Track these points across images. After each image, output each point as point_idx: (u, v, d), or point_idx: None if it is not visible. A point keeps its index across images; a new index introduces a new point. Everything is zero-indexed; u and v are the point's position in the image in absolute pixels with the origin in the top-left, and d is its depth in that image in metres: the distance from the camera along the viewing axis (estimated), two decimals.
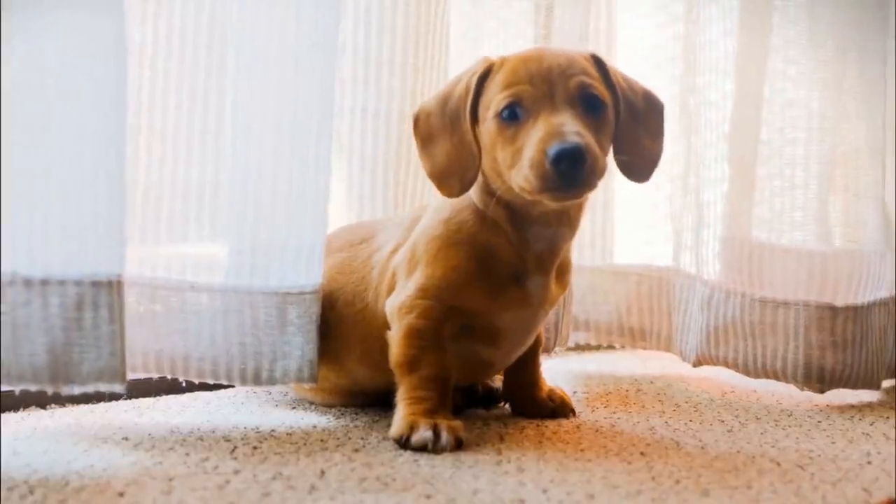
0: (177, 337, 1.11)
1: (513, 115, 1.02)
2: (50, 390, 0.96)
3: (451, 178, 1.07)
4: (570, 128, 0.98)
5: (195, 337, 1.11)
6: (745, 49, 1.41)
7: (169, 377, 1.13)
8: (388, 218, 1.27)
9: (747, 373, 1.39)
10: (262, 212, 1.12)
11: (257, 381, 1.12)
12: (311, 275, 1.13)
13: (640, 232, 1.62)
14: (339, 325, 1.16)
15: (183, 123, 1.12)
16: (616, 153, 1.08)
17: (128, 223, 1.10)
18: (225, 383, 1.15)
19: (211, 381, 1.13)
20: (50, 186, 0.96)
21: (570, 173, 0.96)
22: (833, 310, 1.35)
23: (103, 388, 0.98)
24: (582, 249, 1.55)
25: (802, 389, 1.37)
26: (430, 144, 1.09)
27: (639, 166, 1.10)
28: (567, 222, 1.09)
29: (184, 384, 1.21)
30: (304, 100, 1.11)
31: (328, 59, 1.12)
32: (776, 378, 1.38)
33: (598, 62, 1.08)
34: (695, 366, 1.44)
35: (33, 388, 0.96)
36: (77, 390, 0.97)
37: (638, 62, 1.58)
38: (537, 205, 1.05)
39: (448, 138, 1.07)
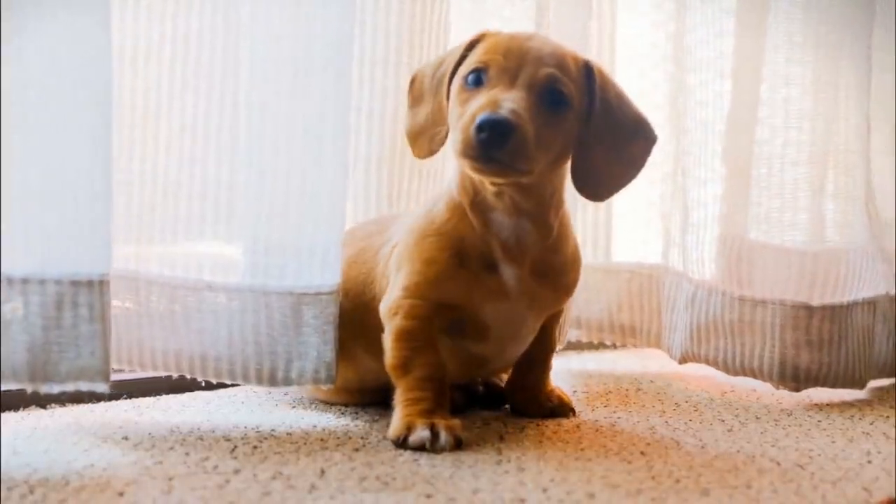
0: (194, 336, 1.12)
1: (477, 81, 1.03)
2: (29, 389, 0.96)
3: (422, 138, 1.10)
4: (509, 104, 0.98)
5: (212, 336, 1.12)
6: (741, 49, 1.41)
7: (188, 377, 1.14)
8: (405, 213, 1.27)
9: (727, 370, 1.40)
10: (277, 211, 1.12)
11: (273, 381, 1.13)
12: (326, 275, 1.13)
13: (638, 230, 1.62)
14: (350, 314, 1.15)
15: (200, 123, 1.13)
16: (574, 161, 1.07)
17: (147, 223, 1.12)
18: (242, 384, 1.15)
19: (228, 382, 1.14)
20: (32, 186, 0.96)
21: (489, 144, 0.96)
22: (809, 309, 1.35)
23: (84, 387, 0.98)
24: (583, 248, 1.55)
25: (777, 388, 1.38)
26: (416, 105, 1.12)
27: (594, 183, 1.09)
28: (527, 216, 1.08)
29: (202, 383, 1.20)
30: (318, 98, 1.11)
31: (343, 57, 1.12)
32: (753, 376, 1.38)
33: (588, 69, 1.07)
34: (680, 363, 1.45)
35: (12, 386, 0.96)
36: (56, 389, 0.97)
37: (637, 60, 1.58)
38: (486, 184, 1.05)
39: (431, 100, 1.09)
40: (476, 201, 1.08)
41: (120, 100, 1.10)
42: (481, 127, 0.96)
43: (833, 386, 1.36)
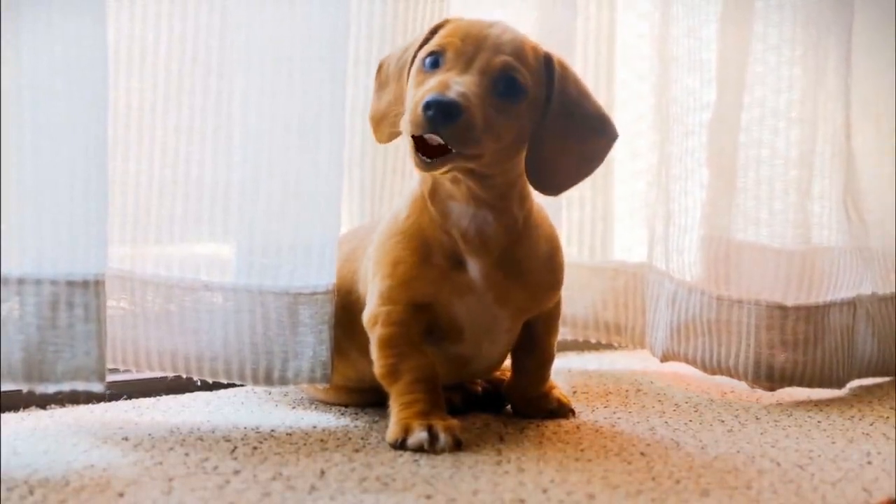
0: (190, 336, 1.12)
1: (434, 64, 1.03)
2: (25, 388, 0.96)
3: (383, 123, 1.10)
4: (458, 87, 0.97)
5: (208, 336, 1.12)
6: (724, 52, 1.41)
7: (184, 376, 1.14)
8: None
9: (704, 369, 1.41)
10: (273, 211, 1.12)
11: (269, 381, 1.13)
12: (322, 275, 1.13)
13: (628, 230, 1.62)
14: (342, 314, 1.15)
15: (195, 123, 1.13)
16: (529, 152, 1.06)
17: (143, 223, 1.12)
18: (238, 383, 1.15)
19: (224, 381, 1.14)
20: (28, 186, 0.96)
21: (435, 122, 0.95)
22: (783, 309, 1.36)
23: (80, 386, 0.98)
24: (570, 246, 1.55)
25: (752, 387, 1.38)
26: (381, 90, 1.12)
27: (545, 176, 1.07)
28: (488, 206, 1.06)
29: (198, 382, 1.20)
30: (314, 97, 1.12)
31: (337, 56, 1.13)
32: (729, 375, 1.39)
33: (548, 61, 1.06)
34: (662, 361, 1.46)
35: (8, 386, 0.96)
36: (52, 389, 0.97)
37: (637, 63, 1.57)
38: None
39: (394, 85, 1.09)
40: (435, 190, 1.07)
41: (115, 100, 1.10)
42: (428, 105, 0.95)
43: (809, 385, 1.37)
